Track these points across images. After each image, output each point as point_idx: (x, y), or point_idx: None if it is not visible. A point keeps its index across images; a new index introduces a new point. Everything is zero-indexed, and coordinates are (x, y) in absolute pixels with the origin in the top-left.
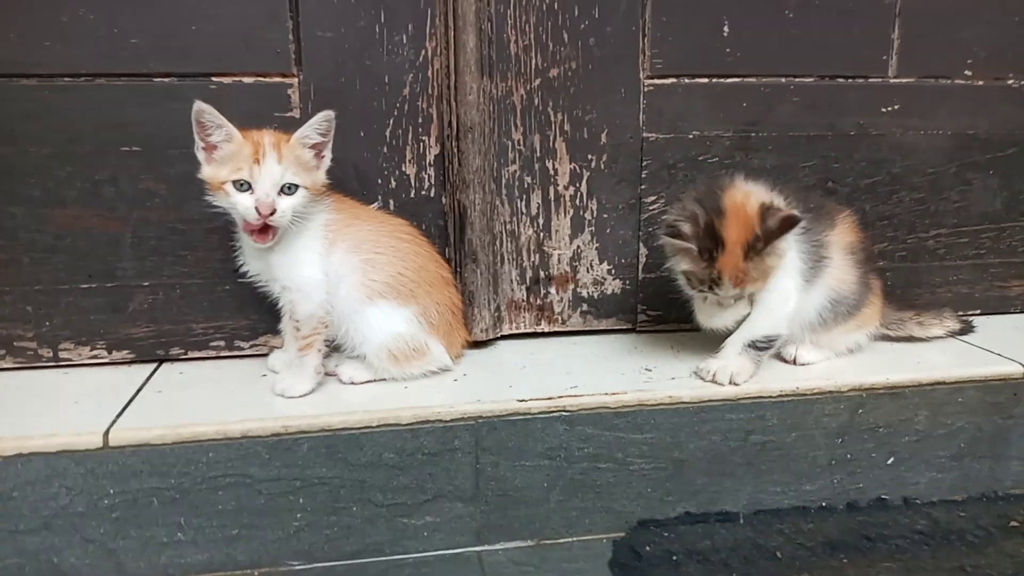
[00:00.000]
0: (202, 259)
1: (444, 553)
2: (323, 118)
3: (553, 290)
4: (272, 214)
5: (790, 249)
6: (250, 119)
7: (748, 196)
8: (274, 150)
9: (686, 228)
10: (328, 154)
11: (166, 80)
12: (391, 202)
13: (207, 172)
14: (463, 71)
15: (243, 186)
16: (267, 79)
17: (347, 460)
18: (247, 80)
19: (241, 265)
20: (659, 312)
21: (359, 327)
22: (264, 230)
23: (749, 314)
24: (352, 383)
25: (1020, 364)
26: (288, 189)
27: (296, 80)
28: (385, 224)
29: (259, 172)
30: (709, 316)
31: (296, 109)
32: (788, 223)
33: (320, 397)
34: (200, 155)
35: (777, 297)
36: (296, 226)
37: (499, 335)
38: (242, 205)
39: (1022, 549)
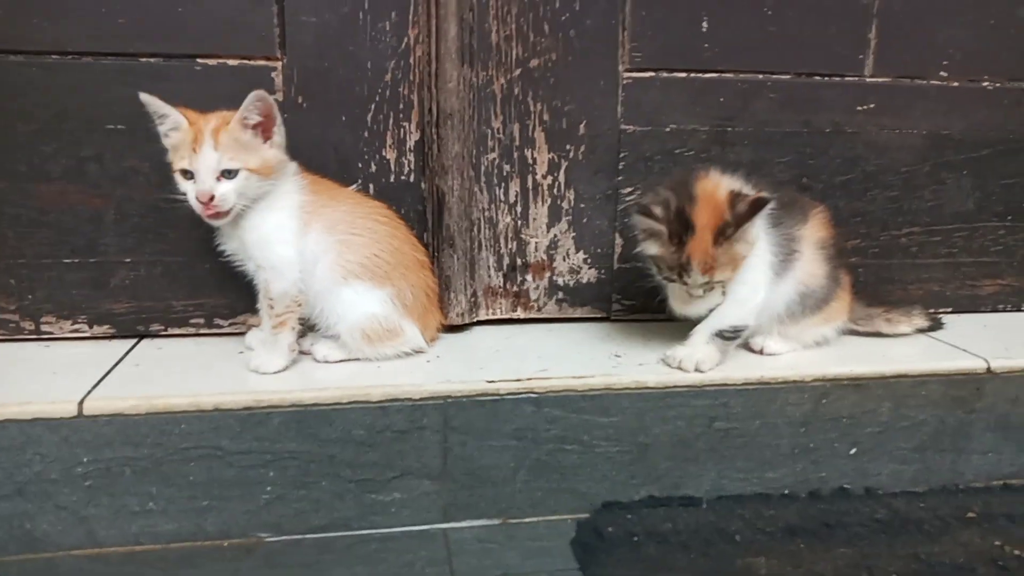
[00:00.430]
0: (183, 237)
1: (410, 529)
2: (254, 98)
3: (530, 277)
4: (212, 200)
5: (760, 239)
6: (235, 101)
7: (719, 185)
8: (212, 136)
9: (658, 210)
10: (278, 132)
11: (152, 60)
12: (371, 186)
13: (169, 159)
14: (444, 59)
15: (187, 174)
16: (251, 62)
17: (317, 435)
18: (232, 62)
19: (219, 244)
20: (633, 302)
21: (334, 307)
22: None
23: (721, 303)
24: (326, 361)
25: (984, 360)
26: (227, 174)
27: (280, 63)
28: (362, 206)
29: (197, 160)
30: (683, 303)
31: (279, 92)
32: (757, 205)
33: (293, 374)
34: (165, 143)
35: (746, 288)
36: (262, 204)
37: (475, 320)
38: (189, 193)
39: (976, 539)
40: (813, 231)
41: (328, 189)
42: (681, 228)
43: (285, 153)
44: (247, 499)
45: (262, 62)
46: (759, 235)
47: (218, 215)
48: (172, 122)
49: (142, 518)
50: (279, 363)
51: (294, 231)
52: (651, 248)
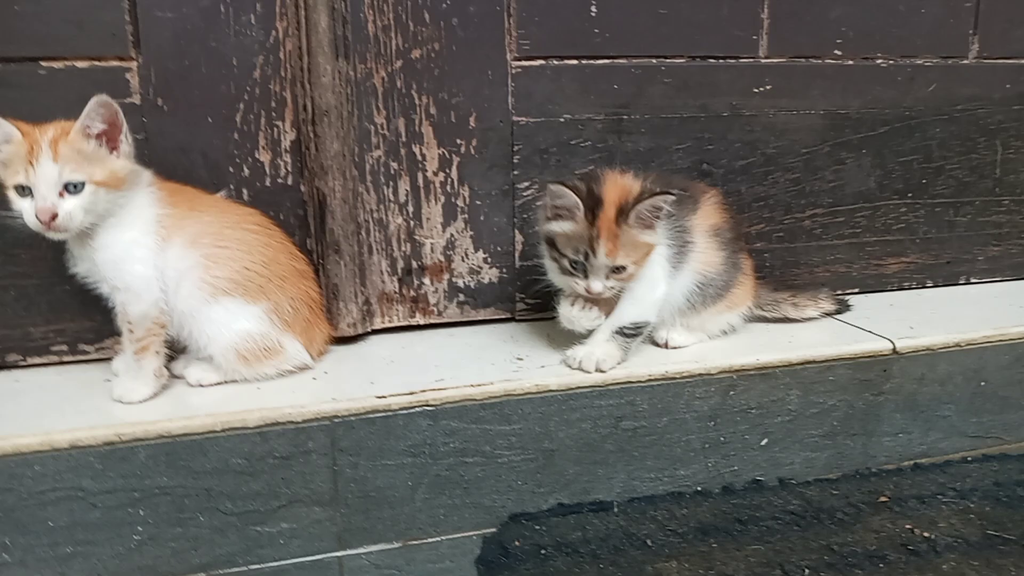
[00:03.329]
0: (38, 257)
1: (302, 560)
2: (97, 103)
3: (427, 281)
4: (54, 219)
5: (659, 234)
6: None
7: (625, 178)
8: (50, 148)
9: (574, 183)
10: (126, 141)
11: None
12: (244, 191)
13: None
14: (316, 52)
15: (24, 191)
16: (103, 63)
17: (190, 467)
18: (81, 64)
19: (71, 266)
20: (537, 300)
21: (203, 327)
22: None
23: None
24: (200, 385)
25: (890, 340)
26: (72, 188)
27: (135, 64)
28: (228, 214)
29: (34, 174)
30: (573, 311)
31: (136, 95)
32: (660, 192)
33: (163, 401)
34: None
35: (645, 284)
36: (112, 220)
37: (370, 330)
38: (25, 212)
39: (888, 524)
40: (705, 219)
41: (189, 199)
42: (594, 203)
43: (135, 162)
44: (116, 542)
45: (115, 63)
46: (660, 230)
47: (59, 230)
48: (3, 134)
49: None
50: (144, 391)
51: (150, 247)
52: (562, 226)
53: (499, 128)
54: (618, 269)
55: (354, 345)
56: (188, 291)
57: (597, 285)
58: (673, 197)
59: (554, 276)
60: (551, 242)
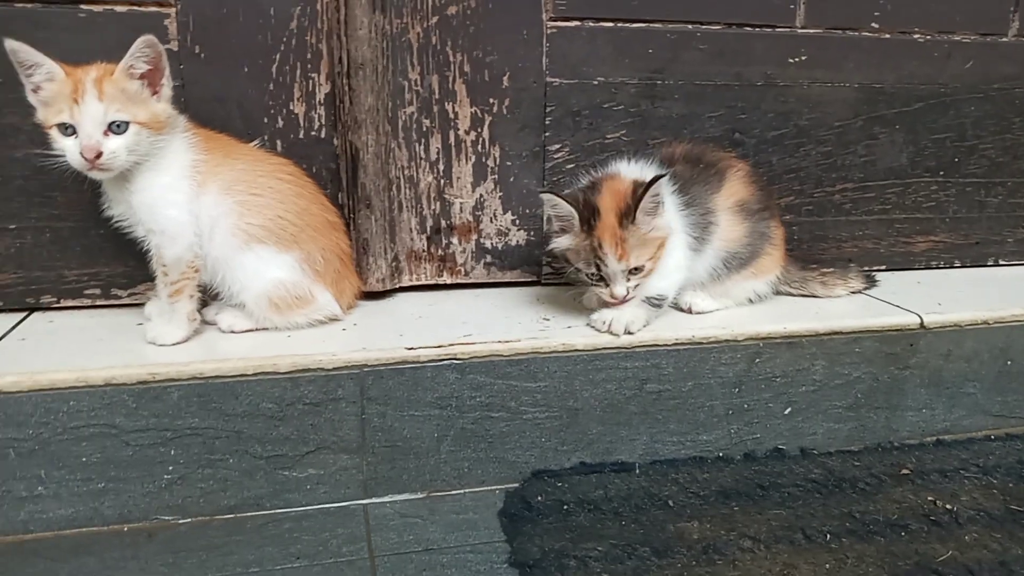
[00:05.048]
0: (73, 201)
1: (328, 507)
2: (143, 44)
3: (455, 240)
4: (99, 157)
5: (676, 221)
6: (122, 53)
7: (624, 178)
8: (95, 87)
9: (567, 194)
10: (167, 83)
11: (29, 6)
12: (278, 143)
13: (39, 116)
14: (354, 5)
15: (67, 129)
16: (142, 8)
17: (222, 410)
18: (120, 9)
19: (106, 208)
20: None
21: (236, 274)
22: None
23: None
24: (232, 332)
25: (918, 315)
26: (116, 127)
27: (173, 10)
28: (262, 163)
29: (79, 112)
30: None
31: (174, 41)
32: (649, 184)
33: (195, 345)
34: (31, 99)
35: (669, 264)
36: (150, 163)
37: (398, 286)
38: (68, 150)
39: (909, 496)
40: (729, 195)
41: (223, 146)
42: (590, 212)
43: (173, 107)
44: (147, 480)
45: (153, 8)
46: (672, 218)
47: (102, 169)
48: (46, 72)
49: (31, 503)
50: (178, 334)
51: (186, 192)
52: (564, 241)
53: (532, 88)
54: (635, 270)
55: (382, 301)
56: (222, 237)
57: (620, 290)
58: (665, 176)
59: (589, 292)
60: (565, 258)
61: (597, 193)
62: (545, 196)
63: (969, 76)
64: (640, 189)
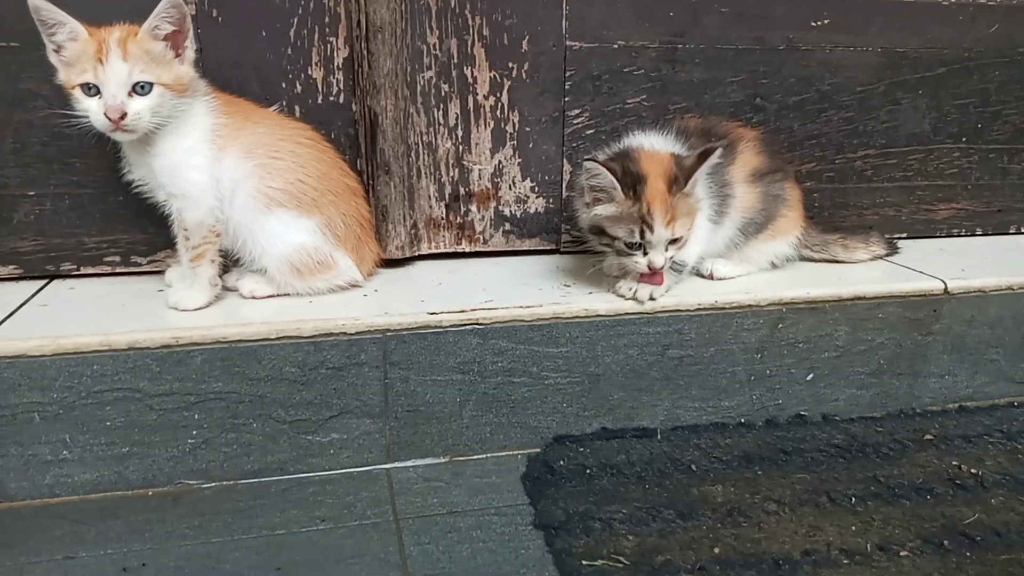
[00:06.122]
0: (92, 167)
1: (351, 471)
2: (168, 4)
3: (474, 208)
4: (123, 118)
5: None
6: (137, 16)
7: (651, 148)
8: (119, 47)
9: (607, 161)
10: (190, 45)
11: None
12: (296, 108)
13: (60, 77)
14: None
15: (91, 89)
16: None
17: (245, 374)
18: None
19: (126, 172)
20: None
21: (257, 238)
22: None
23: None
24: (253, 297)
25: (942, 281)
26: (141, 88)
27: None
28: (282, 127)
29: (103, 72)
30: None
31: (192, 4)
32: (704, 155)
33: (217, 310)
34: (53, 59)
35: (693, 236)
36: (171, 127)
37: (416, 254)
38: (92, 111)
39: (934, 460)
40: (743, 166)
41: (243, 110)
42: (633, 179)
43: (195, 70)
44: (171, 444)
45: None
46: (701, 191)
47: (126, 130)
48: (69, 31)
49: (56, 467)
50: (200, 299)
51: (207, 156)
52: (605, 209)
53: (552, 52)
54: (675, 240)
55: (401, 268)
56: (243, 201)
57: (659, 259)
58: (720, 146)
59: (611, 260)
60: (599, 230)
61: (635, 160)
62: (588, 164)
63: (994, 40)
64: (691, 159)
